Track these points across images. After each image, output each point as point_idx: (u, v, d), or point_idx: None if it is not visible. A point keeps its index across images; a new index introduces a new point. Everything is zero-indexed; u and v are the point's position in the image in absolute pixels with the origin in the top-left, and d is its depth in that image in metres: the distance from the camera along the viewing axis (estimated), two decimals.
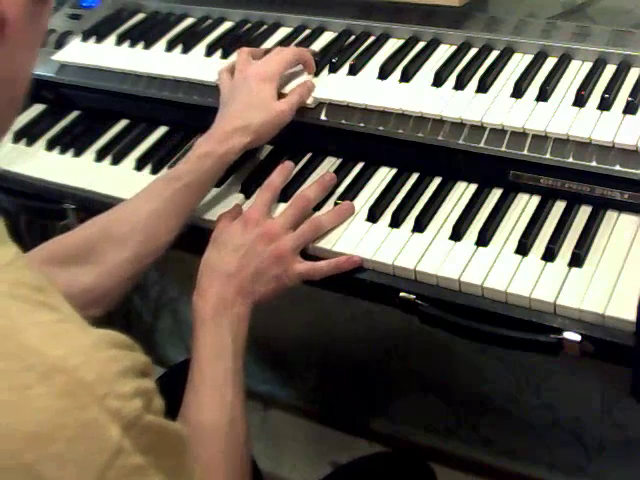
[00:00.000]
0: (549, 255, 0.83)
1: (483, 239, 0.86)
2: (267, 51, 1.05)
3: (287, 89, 1.02)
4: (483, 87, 0.96)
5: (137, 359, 0.52)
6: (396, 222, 0.91)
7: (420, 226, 0.90)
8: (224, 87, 1.01)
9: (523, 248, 0.84)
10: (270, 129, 0.97)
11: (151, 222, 0.89)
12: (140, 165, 1.09)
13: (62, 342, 0.49)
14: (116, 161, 1.11)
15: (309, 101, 1.01)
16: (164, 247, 0.90)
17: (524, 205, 0.91)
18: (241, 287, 0.84)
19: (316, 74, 1.05)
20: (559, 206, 0.89)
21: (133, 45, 1.20)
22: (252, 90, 0.97)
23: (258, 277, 0.85)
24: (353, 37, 1.12)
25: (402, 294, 0.85)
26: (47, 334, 0.49)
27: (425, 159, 0.97)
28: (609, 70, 0.96)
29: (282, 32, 1.16)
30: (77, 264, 0.87)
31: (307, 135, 1.03)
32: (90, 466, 0.47)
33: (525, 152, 0.90)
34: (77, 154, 1.14)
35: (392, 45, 1.08)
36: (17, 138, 1.20)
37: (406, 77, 1.00)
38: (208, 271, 0.86)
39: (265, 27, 1.18)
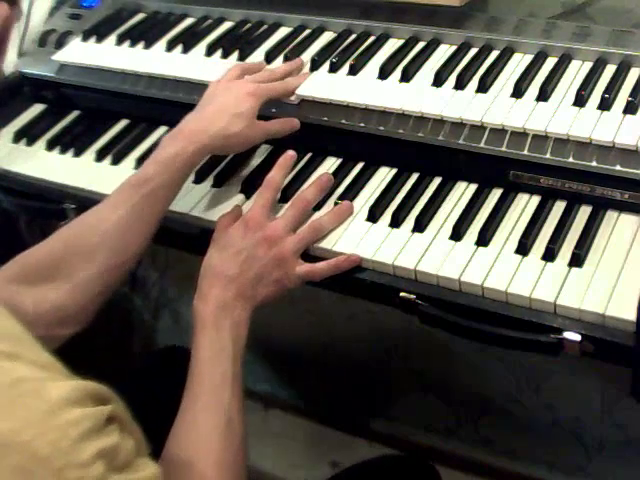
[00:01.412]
0: (549, 255, 0.83)
1: (483, 239, 0.86)
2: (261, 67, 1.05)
3: None
4: (483, 87, 0.96)
5: (99, 413, 0.50)
6: (396, 222, 0.91)
7: (420, 226, 0.90)
8: (207, 91, 0.99)
9: (523, 248, 0.84)
10: (244, 142, 0.96)
11: (120, 231, 0.85)
12: (140, 165, 1.09)
13: (15, 413, 0.47)
14: (116, 161, 1.11)
15: (305, 92, 1.01)
16: (135, 257, 0.87)
17: (524, 205, 0.91)
18: (241, 291, 0.84)
19: (316, 74, 1.05)
20: (559, 206, 0.89)
21: (133, 45, 1.20)
22: (236, 99, 0.95)
23: (259, 281, 0.85)
24: (353, 37, 1.12)
25: (402, 294, 0.85)
26: (1, 404, 0.47)
27: (425, 159, 0.97)
28: (609, 70, 0.96)
29: (282, 32, 1.16)
30: (45, 281, 0.83)
31: (307, 135, 1.03)
32: None
33: (525, 152, 0.90)
34: (77, 154, 1.14)
35: (392, 45, 1.08)
36: (17, 138, 1.20)
37: (406, 77, 1.00)
38: (209, 275, 0.86)
39: (265, 27, 1.18)
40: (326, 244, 0.90)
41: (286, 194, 0.97)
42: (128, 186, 0.88)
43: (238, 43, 1.14)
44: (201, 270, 0.86)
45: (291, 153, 0.94)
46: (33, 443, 0.46)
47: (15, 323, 0.52)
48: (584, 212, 0.88)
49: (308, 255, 0.90)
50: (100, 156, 1.13)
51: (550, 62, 0.99)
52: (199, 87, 1.09)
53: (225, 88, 0.98)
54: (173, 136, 0.91)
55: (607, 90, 0.91)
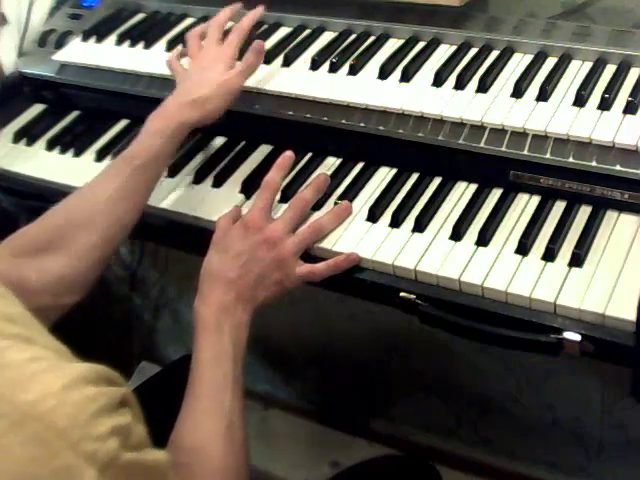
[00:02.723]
0: (549, 255, 0.83)
1: (483, 239, 0.86)
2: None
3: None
4: (483, 87, 0.96)
5: (114, 393, 0.51)
6: (396, 222, 0.91)
7: (420, 226, 0.90)
8: (178, 73, 1.03)
9: (523, 248, 0.84)
10: (219, 102, 0.97)
11: (114, 202, 0.89)
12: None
13: (33, 386, 0.48)
14: None
15: (305, 92, 1.01)
16: (129, 227, 0.91)
17: (524, 205, 0.91)
18: (242, 294, 0.84)
19: (316, 74, 1.05)
20: (559, 206, 0.89)
21: (133, 45, 1.20)
22: (204, 70, 0.99)
23: (259, 283, 0.85)
24: (353, 37, 1.12)
25: (402, 294, 0.85)
26: (18, 378, 0.48)
27: (425, 159, 0.97)
28: (609, 70, 0.96)
29: (282, 32, 1.16)
30: (47, 252, 0.86)
31: (307, 135, 1.03)
32: None
33: (525, 152, 0.90)
34: (77, 154, 1.14)
35: (392, 45, 1.08)
36: (17, 138, 1.20)
37: (406, 77, 1.00)
38: (209, 277, 0.86)
39: (265, 27, 1.18)
40: (326, 244, 0.90)
41: (286, 194, 0.97)
42: (119, 161, 0.93)
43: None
44: (201, 273, 0.86)
45: (289, 154, 0.94)
46: (51, 415, 0.47)
47: (24, 310, 0.53)
48: (584, 212, 0.88)
49: (308, 255, 0.90)
50: (100, 156, 1.13)
51: (550, 62, 0.99)
52: None
53: (195, 64, 1.01)
54: (156, 113, 0.95)
55: (607, 90, 0.91)
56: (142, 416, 0.55)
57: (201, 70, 0.99)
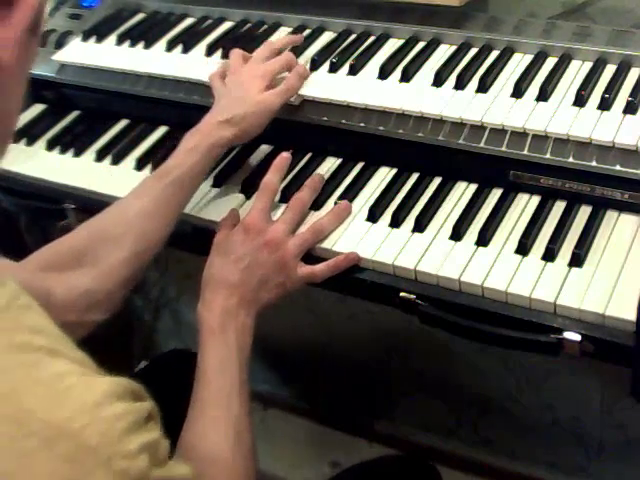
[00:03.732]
0: (549, 255, 0.83)
1: (483, 239, 0.86)
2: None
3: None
4: (483, 87, 0.96)
5: (142, 409, 0.51)
6: (396, 222, 0.91)
7: (420, 226, 0.90)
8: (216, 90, 1.01)
9: (523, 248, 0.84)
10: (255, 120, 0.96)
11: (144, 219, 0.88)
12: (140, 165, 1.09)
13: (64, 403, 0.48)
14: (116, 161, 1.11)
15: (305, 92, 1.01)
16: (160, 244, 0.90)
17: (524, 205, 0.91)
18: (245, 298, 0.84)
19: (316, 74, 1.05)
20: (559, 206, 0.89)
21: (133, 45, 1.20)
22: (242, 86, 0.98)
23: (261, 286, 0.85)
24: (353, 37, 1.11)
25: (402, 294, 0.85)
26: (49, 395, 0.48)
27: (425, 159, 0.97)
28: (609, 70, 0.96)
29: (282, 32, 1.16)
30: (75, 267, 0.85)
31: (307, 135, 1.03)
32: None
33: (525, 152, 0.90)
34: (77, 154, 1.14)
35: (392, 45, 1.08)
36: (17, 138, 1.20)
37: (406, 77, 1.00)
38: (212, 282, 0.86)
39: (265, 27, 1.18)
40: (326, 244, 0.90)
41: (286, 194, 0.97)
42: (150, 178, 0.93)
43: (238, 43, 1.14)
44: (203, 277, 0.86)
45: (286, 155, 0.94)
46: (83, 432, 0.47)
47: (50, 321, 0.53)
48: (584, 212, 0.88)
49: (309, 256, 0.90)
50: (100, 156, 1.13)
51: (550, 62, 0.99)
52: (199, 87, 1.09)
53: (235, 80, 1.00)
54: (192, 132, 0.94)
55: (607, 90, 0.91)
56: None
57: (239, 86, 0.98)
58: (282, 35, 1.15)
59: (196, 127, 0.95)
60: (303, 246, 0.88)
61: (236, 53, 1.05)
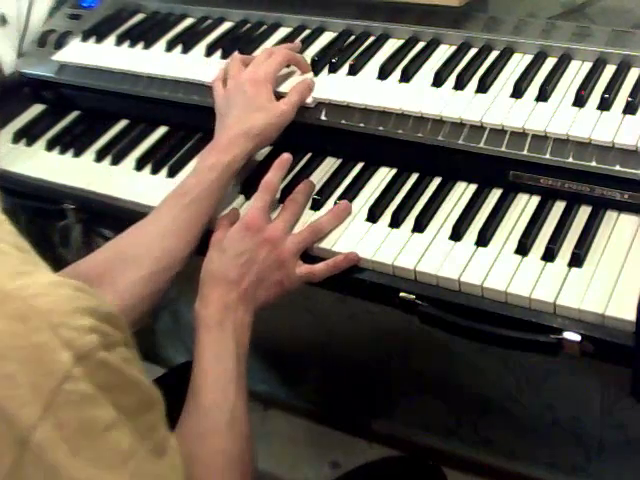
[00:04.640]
0: (549, 255, 0.83)
1: (483, 239, 0.86)
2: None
3: (283, 88, 1.02)
4: (483, 87, 0.96)
5: (105, 311, 0.53)
6: (396, 222, 0.91)
7: (420, 226, 0.90)
8: (218, 97, 1.01)
9: (523, 248, 0.84)
10: (273, 130, 0.96)
11: (164, 239, 0.88)
12: (140, 165, 1.09)
13: (23, 277, 0.50)
14: (116, 161, 1.11)
15: (309, 100, 1.01)
16: (181, 262, 0.89)
17: (524, 205, 0.91)
18: (243, 294, 0.84)
19: (316, 74, 1.05)
20: (559, 206, 0.89)
21: (133, 45, 1.20)
22: (248, 94, 0.97)
23: (260, 283, 0.85)
24: (353, 37, 1.12)
25: (402, 294, 0.85)
26: (10, 271, 0.50)
27: (425, 159, 0.97)
28: (609, 70, 0.96)
29: (282, 32, 1.16)
30: (92, 287, 0.85)
31: (307, 135, 1.03)
32: (40, 389, 0.48)
33: (525, 152, 0.90)
34: (77, 154, 1.14)
35: (392, 45, 1.08)
36: (17, 138, 1.20)
37: (406, 77, 1.00)
38: (210, 279, 0.85)
39: (265, 27, 1.18)
40: (326, 244, 0.90)
41: (286, 194, 0.96)
42: (170, 198, 0.92)
43: (238, 43, 1.14)
44: (201, 274, 0.86)
45: (287, 156, 0.94)
46: (36, 298, 0.49)
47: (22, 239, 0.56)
48: (584, 212, 0.88)
49: (308, 255, 0.90)
50: (100, 156, 1.13)
51: (550, 62, 0.99)
52: (199, 87, 1.09)
53: (237, 88, 0.99)
54: (209, 149, 0.94)
55: (607, 90, 0.91)
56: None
57: (242, 94, 0.97)
58: (282, 35, 1.15)
59: (212, 143, 0.94)
60: (302, 244, 0.88)
61: (236, 58, 1.05)
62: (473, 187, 0.94)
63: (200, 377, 0.79)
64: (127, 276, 0.86)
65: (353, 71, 1.04)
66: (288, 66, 1.05)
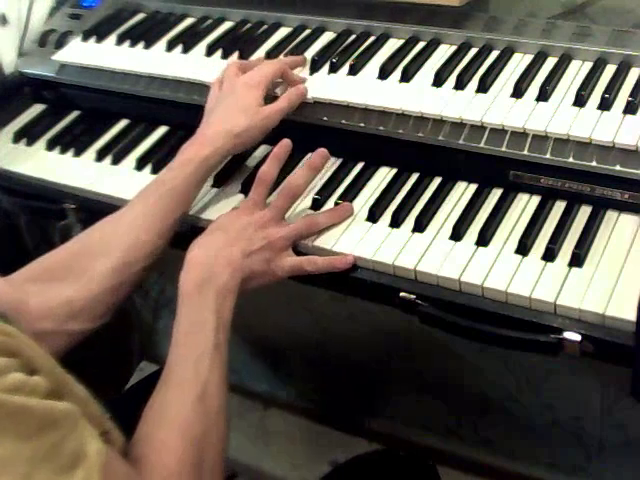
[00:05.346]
0: (549, 255, 0.83)
1: (483, 239, 0.86)
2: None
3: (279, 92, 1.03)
4: (483, 87, 0.96)
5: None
6: (396, 222, 0.91)
7: (420, 226, 0.90)
8: (211, 97, 1.02)
9: (523, 248, 0.84)
10: (255, 133, 0.96)
11: (135, 230, 0.88)
12: (140, 165, 1.09)
13: None
14: (116, 161, 1.11)
15: (309, 96, 1.01)
16: (153, 254, 0.89)
17: (524, 205, 0.91)
18: (229, 259, 0.84)
19: (316, 74, 1.05)
20: (559, 206, 0.89)
21: (133, 45, 1.20)
22: (237, 96, 0.97)
23: (247, 254, 0.85)
24: (353, 37, 1.12)
25: (402, 294, 0.85)
26: None
27: (425, 159, 0.97)
28: (609, 70, 0.96)
29: (282, 32, 1.16)
30: (60, 278, 0.85)
31: (307, 135, 1.03)
32: None
33: (525, 152, 0.90)
34: (77, 154, 1.14)
35: (392, 45, 1.08)
36: (17, 138, 1.20)
37: (406, 77, 1.00)
38: (194, 247, 0.86)
39: (265, 27, 1.18)
40: (326, 244, 0.90)
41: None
42: (144, 190, 0.92)
43: (238, 43, 1.14)
44: (188, 249, 0.86)
45: (286, 142, 0.93)
46: None
47: None
48: (584, 212, 0.88)
49: (307, 255, 0.90)
50: (100, 156, 1.13)
51: (550, 62, 0.99)
52: (199, 87, 1.10)
53: (229, 90, 0.99)
54: (190, 142, 0.94)
55: (607, 90, 0.91)
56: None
57: (231, 95, 0.98)
58: (282, 35, 1.15)
59: (194, 137, 0.95)
60: (294, 232, 0.89)
61: (234, 63, 1.05)
62: (473, 187, 0.94)
63: (172, 350, 0.78)
64: (96, 267, 0.86)
65: (353, 71, 1.04)
66: None
